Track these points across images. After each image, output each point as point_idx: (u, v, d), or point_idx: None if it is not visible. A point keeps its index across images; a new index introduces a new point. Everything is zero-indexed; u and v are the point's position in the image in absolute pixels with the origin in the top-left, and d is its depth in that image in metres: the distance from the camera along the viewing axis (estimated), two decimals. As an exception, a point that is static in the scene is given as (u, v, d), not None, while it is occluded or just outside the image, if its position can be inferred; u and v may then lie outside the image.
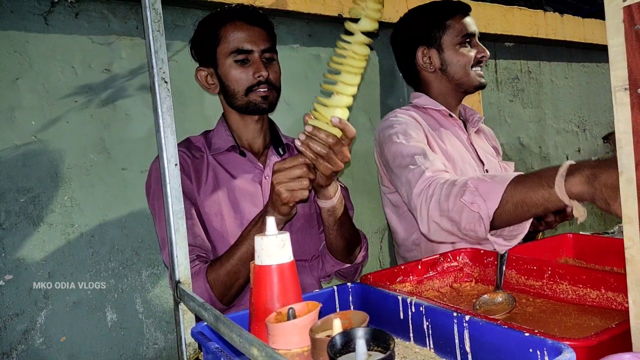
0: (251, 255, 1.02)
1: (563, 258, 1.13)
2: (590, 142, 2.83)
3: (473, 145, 1.46)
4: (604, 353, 0.51)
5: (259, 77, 1.14)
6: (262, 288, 0.58)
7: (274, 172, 0.96)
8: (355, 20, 0.92)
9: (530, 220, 0.94)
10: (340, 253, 1.19)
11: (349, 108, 0.94)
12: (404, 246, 1.43)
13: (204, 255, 1.10)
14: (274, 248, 0.57)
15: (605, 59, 2.86)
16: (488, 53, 1.39)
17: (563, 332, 0.75)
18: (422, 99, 1.44)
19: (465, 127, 1.49)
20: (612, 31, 0.49)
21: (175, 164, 0.73)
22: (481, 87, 1.41)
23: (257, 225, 1.03)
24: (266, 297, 0.57)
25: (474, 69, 1.38)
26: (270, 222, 0.60)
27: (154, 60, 0.70)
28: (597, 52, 2.84)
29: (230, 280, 1.05)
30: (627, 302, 0.76)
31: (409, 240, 1.41)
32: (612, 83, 0.51)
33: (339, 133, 0.92)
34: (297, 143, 0.93)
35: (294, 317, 0.53)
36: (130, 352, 1.38)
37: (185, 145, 1.21)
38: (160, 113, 0.71)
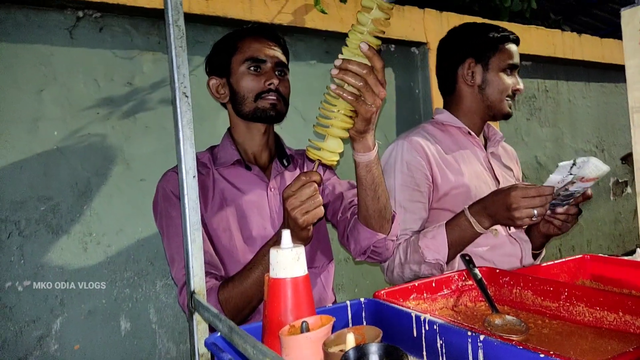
0: (263, 281, 1.02)
1: (580, 280, 1.11)
2: (609, 163, 2.80)
3: (490, 164, 1.46)
4: (622, 377, 0.50)
5: (269, 84, 1.16)
6: (276, 301, 0.58)
7: (284, 199, 0.94)
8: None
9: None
10: (376, 219, 1.11)
11: (341, 153, 0.95)
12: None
13: (213, 272, 1.10)
14: (289, 261, 0.58)
15: (624, 79, 2.84)
16: (523, 88, 1.42)
17: (579, 354, 0.73)
18: (443, 116, 1.46)
19: (486, 145, 1.50)
20: (629, 53, 0.49)
21: (194, 176, 0.74)
22: (508, 116, 1.43)
23: None
24: (280, 310, 0.57)
25: (507, 98, 1.40)
26: (286, 235, 0.60)
27: (175, 75, 0.71)
28: (615, 73, 2.82)
29: (242, 302, 1.05)
30: (647, 326, 0.75)
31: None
32: (630, 104, 0.51)
33: (368, 64, 0.90)
34: (332, 87, 0.92)
35: (307, 330, 0.53)
36: (142, 362, 1.39)
37: None
38: (180, 126, 0.72)
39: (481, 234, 1.24)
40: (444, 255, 1.24)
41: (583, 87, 2.69)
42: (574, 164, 1.04)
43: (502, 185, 1.45)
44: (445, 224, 1.26)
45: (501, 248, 1.36)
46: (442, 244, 1.25)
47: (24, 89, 1.26)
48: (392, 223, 1.16)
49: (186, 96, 0.73)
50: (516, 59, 1.41)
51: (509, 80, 1.40)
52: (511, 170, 1.54)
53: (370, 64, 0.90)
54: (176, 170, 1.17)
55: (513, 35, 1.42)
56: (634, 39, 0.48)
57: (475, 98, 1.42)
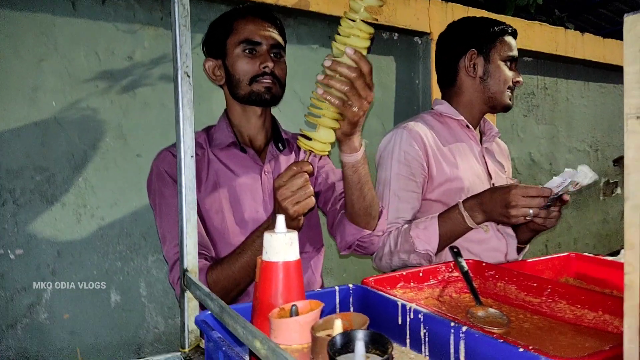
0: (254, 266, 1.01)
1: (564, 277, 1.14)
2: (602, 163, 2.82)
3: (485, 159, 1.48)
4: (596, 374, 0.52)
5: (264, 67, 1.14)
6: (267, 283, 0.59)
7: (275, 190, 0.95)
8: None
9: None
10: (361, 217, 1.13)
11: (332, 143, 0.96)
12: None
13: (204, 252, 1.11)
14: (282, 245, 0.59)
15: (623, 81, 2.84)
16: (522, 81, 1.44)
17: (557, 350, 0.76)
18: (443, 107, 1.47)
19: (481, 140, 1.52)
20: (629, 59, 0.50)
21: (192, 156, 0.75)
22: (508, 108, 1.45)
23: (262, 237, 1.01)
24: (270, 292, 0.59)
25: (508, 90, 1.42)
26: (280, 219, 0.62)
27: (178, 54, 0.72)
28: (615, 74, 2.83)
29: (230, 285, 1.06)
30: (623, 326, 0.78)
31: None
32: (625, 110, 0.52)
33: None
34: (320, 92, 0.91)
35: (297, 314, 0.54)
36: (130, 334, 1.41)
37: None
38: (181, 105, 0.73)
39: (472, 229, 1.26)
40: (434, 246, 1.27)
41: (582, 86, 2.70)
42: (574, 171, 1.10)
43: (494, 181, 1.48)
44: (438, 216, 1.28)
45: (488, 242, 1.39)
46: (433, 235, 1.27)
47: (24, 57, 1.25)
48: (379, 219, 1.18)
49: (188, 76, 0.74)
50: (515, 52, 1.43)
51: (510, 72, 1.42)
52: (503, 166, 1.56)
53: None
54: (171, 149, 1.17)
55: (511, 29, 1.44)
56: (634, 45, 0.49)
57: (476, 89, 1.43)
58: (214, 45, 1.20)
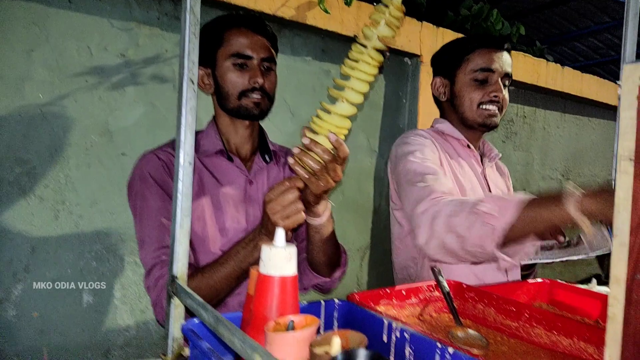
0: (236, 277, 1.03)
1: (538, 302, 1.17)
2: (572, 192, 2.92)
3: (486, 179, 1.46)
4: (576, 401, 0.54)
5: (254, 82, 1.14)
6: (263, 297, 0.59)
7: (265, 203, 0.95)
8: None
9: (533, 243, 1.00)
10: (321, 267, 1.20)
11: (352, 119, 0.93)
12: (399, 267, 1.45)
13: None
14: (281, 260, 0.59)
15: (598, 115, 2.98)
16: (502, 94, 1.37)
17: (533, 374, 0.78)
18: (444, 125, 1.45)
19: (482, 160, 1.50)
20: (625, 104, 0.53)
21: (190, 163, 0.75)
22: (488, 125, 1.39)
23: (247, 248, 1.02)
24: (266, 306, 0.59)
25: (483, 106, 1.37)
26: (280, 233, 0.62)
27: (185, 62, 0.72)
28: (590, 107, 2.95)
29: (210, 295, 1.04)
30: (597, 354, 0.81)
31: (406, 259, 1.42)
32: (619, 152, 0.55)
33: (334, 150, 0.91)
34: (291, 161, 0.93)
35: (294, 328, 0.55)
36: (100, 337, 1.38)
37: (172, 146, 1.21)
38: (184, 112, 0.72)
39: (559, 223, 0.90)
40: (505, 221, 0.93)
41: (559, 117, 2.80)
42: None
43: None
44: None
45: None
46: (509, 206, 0.94)
47: (14, 46, 1.22)
48: (339, 266, 1.23)
49: (192, 82, 0.74)
50: (490, 64, 1.35)
51: (478, 89, 1.36)
52: (506, 187, 1.56)
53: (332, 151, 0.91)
54: (157, 152, 1.15)
55: (489, 40, 1.38)
56: (632, 92, 0.52)
57: (451, 112, 1.44)
58: (204, 53, 1.16)
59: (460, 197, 1.22)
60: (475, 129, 1.42)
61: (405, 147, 1.32)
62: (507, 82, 1.41)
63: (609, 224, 0.99)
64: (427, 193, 1.12)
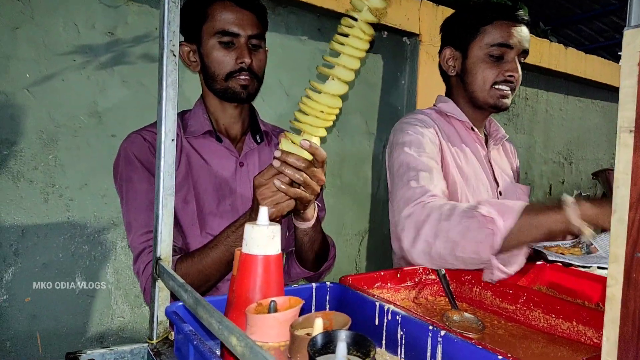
0: (226, 261, 0.99)
1: (537, 285, 1.15)
2: (575, 176, 2.89)
3: (491, 164, 1.38)
4: (572, 385, 0.52)
5: (241, 63, 1.08)
6: (245, 277, 0.57)
7: (255, 188, 0.91)
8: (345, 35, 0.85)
9: (526, 251, 0.95)
10: (309, 263, 1.18)
11: (344, 97, 0.89)
12: (399, 252, 1.40)
13: (172, 243, 1.07)
14: (263, 238, 0.57)
15: (602, 97, 2.92)
16: (517, 74, 1.25)
17: (529, 358, 0.76)
18: (448, 105, 1.34)
19: (487, 142, 1.41)
20: (625, 72, 0.50)
21: (172, 139, 0.72)
22: (499, 107, 1.28)
23: (237, 232, 0.99)
24: (249, 286, 0.56)
25: (497, 86, 1.26)
26: (263, 211, 0.59)
27: (165, 32, 0.68)
28: (594, 89, 2.89)
29: (200, 280, 1.02)
30: (597, 338, 0.78)
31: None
32: (619, 123, 0.51)
33: (309, 156, 0.87)
34: (277, 183, 0.89)
35: (275, 310, 0.52)
36: (94, 322, 1.36)
37: None
38: (164, 85, 0.69)
39: (557, 230, 0.88)
40: (505, 224, 0.89)
41: (562, 99, 2.75)
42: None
43: (501, 188, 1.36)
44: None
45: None
46: (509, 210, 0.90)
47: (-4, 23, 1.19)
48: (327, 260, 1.22)
49: (174, 55, 0.70)
50: (508, 39, 1.23)
51: (496, 66, 1.25)
52: (512, 170, 1.47)
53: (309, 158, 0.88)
54: (142, 132, 1.11)
55: (508, 11, 1.24)
56: (632, 59, 0.49)
57: (459, 89, 1.32)
58: (189, 29, 1.12)
59: (456, 195, 1.19)
60: (484, 110, 1.32)
61: (402, 136, 1.23)
62: (522, 59, 1.29)
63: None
64: (417, 195, 1.07)
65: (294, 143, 0.88)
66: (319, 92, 0.86)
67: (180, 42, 1.13)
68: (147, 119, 1.17)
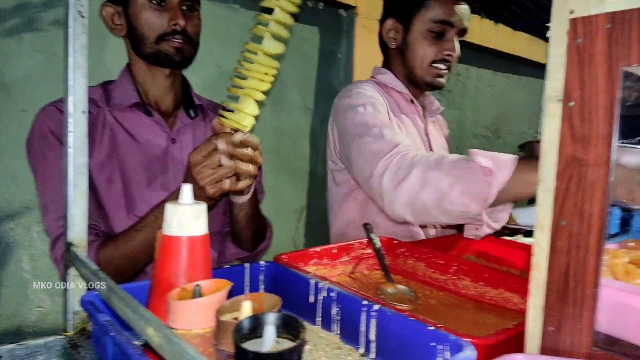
0: (153, 244, 0.94)
1: (467, 255, 1.19)
2: (502, 149, 3.02)
3: (428, 136, 1.39)
4: (499, 352, 0.53)
5: (174, 25, 1.00)
6: (167, 260, 0.53)
7: (192, 166, 0.85)
8: (269, 11, 0.84)
9: (510, 207, 0.93)
10: (244, 243, 1.15)
11: (280, 59, 0.87)
12: (339, 229, 1.37)
13: (94, 225, 0.98)
14: (187, 218, 0.52)
15: (528, 73, 3.06)
16: (456, 54, 1.27)
17: (461, 326, 0.78)
18: (386, 77, 1.33)
19: (424, 116, 1.42)
20: (555, 40, 0.50)
21: (83, 111, 0.65)
22: (435, 86, 1.30)
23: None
24: (171, 270, 0.52)
25: (435, 64, 1.26)
26: (187, 189, 0.55)
27: (69, -11, 0.60)
28: (521, 65, 3.02)
29: (126, 265, 0.96)
30: (522, 304, 0.82)
31: (344, 224, 1.34)
32: (547, 92, 0.51)
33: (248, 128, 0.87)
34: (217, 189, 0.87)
35: (200, 295, 0.49)
36: (9, 313, 1.25)
37: None
38: (72, 51, 0.61)
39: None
40: (500, 179, 0.85)
41: (490, 75, 2.85)
42: None
43: None
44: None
45: None
46: (505, 162, 0.86)
47: None
48: (264, 239, 1.20)
49: (82, 16, 0.63)
50: (450, 17, 1.22)
51: (436, 44, 1.25)
52: (446, 143, 1.50)
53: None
54: (57, 104, 1.00)
55: None
56: (562, 26, 0.48)
57: (399, 62, 1.31)
58: None
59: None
60: (419, 87, 1.33)
61: (351, 100, 1.20)
62: (460, 37, 1.30)
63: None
64: (388, 147, 1.01)
65: (228, 119, 0.86)
66: (256, 54, 0.84)
67: (103, 3, 1.04)
68: (61, 92, 1.05)
